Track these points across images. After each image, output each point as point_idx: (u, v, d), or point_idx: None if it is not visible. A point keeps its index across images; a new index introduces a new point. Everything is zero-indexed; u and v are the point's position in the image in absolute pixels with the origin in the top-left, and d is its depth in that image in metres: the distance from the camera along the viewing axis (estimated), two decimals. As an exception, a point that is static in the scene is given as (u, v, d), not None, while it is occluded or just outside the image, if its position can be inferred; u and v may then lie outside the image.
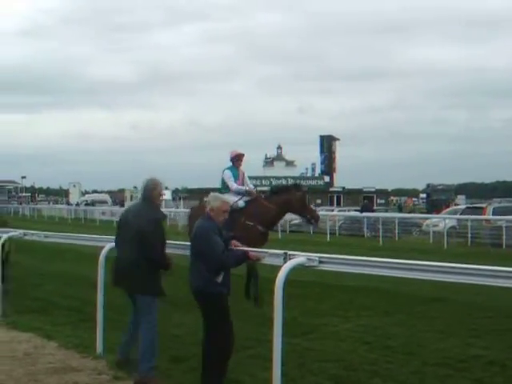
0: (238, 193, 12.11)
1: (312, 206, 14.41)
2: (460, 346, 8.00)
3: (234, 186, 12.12)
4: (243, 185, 12.31)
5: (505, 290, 9.03)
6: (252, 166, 69.26)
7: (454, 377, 6.86)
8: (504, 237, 24.07)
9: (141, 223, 6.88)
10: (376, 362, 7.39)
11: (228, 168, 12.37)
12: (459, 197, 67.47)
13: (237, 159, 12.41)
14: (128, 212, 7.53)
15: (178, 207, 52.21)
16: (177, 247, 7.67)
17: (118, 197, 76.29)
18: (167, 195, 68.24)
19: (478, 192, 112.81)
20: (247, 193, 12.24)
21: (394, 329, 9.07)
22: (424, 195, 75.59)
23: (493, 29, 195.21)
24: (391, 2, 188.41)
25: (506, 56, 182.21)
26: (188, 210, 16.11)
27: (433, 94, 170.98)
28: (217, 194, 9.38)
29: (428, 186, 66.37)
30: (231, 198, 11.13)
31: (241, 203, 11.90)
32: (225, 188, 12.22)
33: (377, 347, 8.05)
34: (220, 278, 6.38)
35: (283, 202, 11.96)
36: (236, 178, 12.22)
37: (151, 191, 7.13)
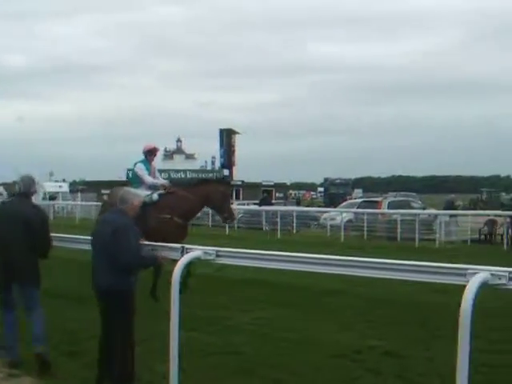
0: (152, 187, 11.74)
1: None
2: (356, 338, 8.13)
3: (149, 179, 11.73)
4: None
5: (401, 282, 9.29)
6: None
7: (350, 367, 6.97)
8: (399, 230, 24.76)
9: (29, 216, 6.95)
10: (272, 354, 7.41)
11: (141, 161, 11.93)
12: (356, 191, 69.00)
13: (150, 153, 12.01)
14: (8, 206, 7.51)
15: (75, 200, 51.11)
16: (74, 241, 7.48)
17: (13, 189, 73.74)
18: (64, 187, 66.81)
19: (374, 186, 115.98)
20: (162, 187, 11.84)
21: (291, 321, 9.12)
22: (322, 189, 77.04)
23: (388, 29, 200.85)
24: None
25: (399, 55, 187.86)
26: (94, 203, 15.23)
27: (335, 91, 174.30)
28: (129, 188, 9.21)
29: (326, 180, 67.66)
30: (144, 192, 10.92)
31: (155, 196, 11.44)
32: (137, 182, 11.83)
33: (273, 339, 8.06)
34: (133, 277, 6.30)
35: (204, 195, 11.48)
36: (148, 172, 11.81)
37: (29, 187, 7.18)
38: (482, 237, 25.72)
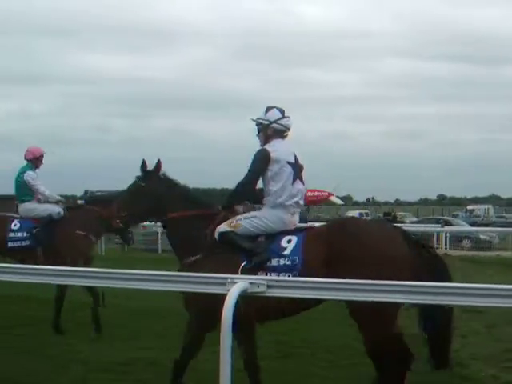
0: (50, 200, 10.29)
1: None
2: (122, 350, 8.14)
3: (46, 191, 10.19)
4: None
5: (162, 294, 9.44)
6: None
7: (117, 381, 6.96)
8: (159, 242, 25.04)
9: None
10: (36, 371, 7.19)
11: (29, 168, 10.22)
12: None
13: (39, 159, 10.34)
14: None
15: None
16: None
17: None
18: None
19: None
20: (59, 201, 10.47)
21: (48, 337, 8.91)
22: (82, 202, 75.42)
23: (161, 41, 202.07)
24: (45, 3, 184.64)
25: (170, 68, 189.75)
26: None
27: (94, 103, 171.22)
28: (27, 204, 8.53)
29: (86, 192, 66.34)
30: (51, 208, 9.94)
31: (61, 211, 10.06)
32: (27, 195, 10.23)
33: (37, 356, 7.84)
34: None
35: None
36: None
37: None
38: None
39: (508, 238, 24.65)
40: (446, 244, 25.19)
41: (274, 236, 5.92)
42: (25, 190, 10.23)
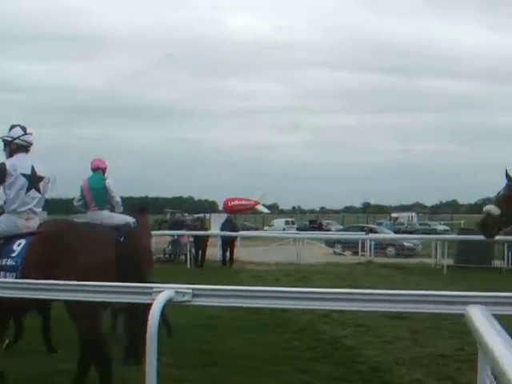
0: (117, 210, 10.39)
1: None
2: (48, 362, 7.91)
3: (119, 200, 10.43)
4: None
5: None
6: None
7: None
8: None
9: None
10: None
11: (102, 177, 10.49)
12: None
13: (103, 171, 10.66)
14: None
15: None
16: None
17: None
18: None
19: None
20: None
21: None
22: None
23: (83, 50, 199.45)
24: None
25: (91, 75, 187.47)
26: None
27: (22, 110, 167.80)
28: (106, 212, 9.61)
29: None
30: (126, 217, 9.58)
31: (134, 220, 9.46)
32: (106, 202, 10.34)
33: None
34: None
35: None
36: None
37: None
38: (167, 256, 26.65)
39: (431, 244, 25.18)
40: (370, 251, 25.61)
41: (9, 239, 6.50)
42: (105, 198, 10.37)
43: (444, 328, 9.91)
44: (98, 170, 10.65)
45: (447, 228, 59.85)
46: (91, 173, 10.75)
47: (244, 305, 5.15)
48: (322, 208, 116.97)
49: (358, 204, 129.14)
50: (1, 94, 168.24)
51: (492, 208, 7.63)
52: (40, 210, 6.83)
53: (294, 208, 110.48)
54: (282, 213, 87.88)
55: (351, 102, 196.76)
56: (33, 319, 9.22)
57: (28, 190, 6.57)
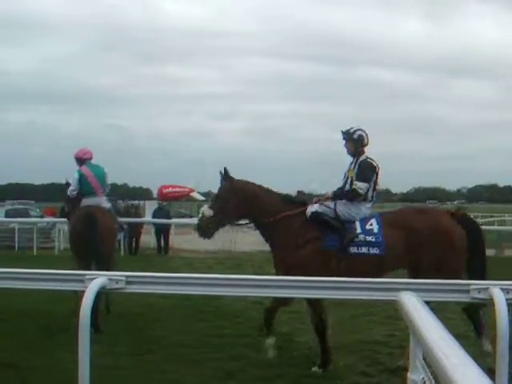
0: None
1: None
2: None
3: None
4: None
5: (18, 293, 9.11)
6: None
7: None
8: (16, 239, 24.16)
9: None
10: None
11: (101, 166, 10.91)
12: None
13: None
14: None
15: None
16: None
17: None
18: None
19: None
20: None
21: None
22: None
23: (20, 33, 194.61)
24: None
25: (24, 60, 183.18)
26: None
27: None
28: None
29: None
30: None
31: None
32: (105, 189, 10.81)
33: None
34: None
35: None
36: None
37: None
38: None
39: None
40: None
41: None
42: (105, 184, 10.82)
43: (376, 314, 10.07)
44: (90, 159, 10.90)
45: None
46: (76, 162, 10.93)
47: (177, 292, 5.13)
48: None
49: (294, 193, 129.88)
50: None
51: (205, 209, 7.79)
52: None
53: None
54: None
55: (286, 89, 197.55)
56: None
57: None
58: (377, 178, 7.63)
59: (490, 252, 22.52)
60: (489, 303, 5.03)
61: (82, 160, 10.82)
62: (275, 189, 7.83)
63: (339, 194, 7.57)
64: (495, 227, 28.64)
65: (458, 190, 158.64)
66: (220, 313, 10.25)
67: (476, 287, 4.86)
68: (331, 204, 7.45)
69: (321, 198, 7.59)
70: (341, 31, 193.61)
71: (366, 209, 7.53)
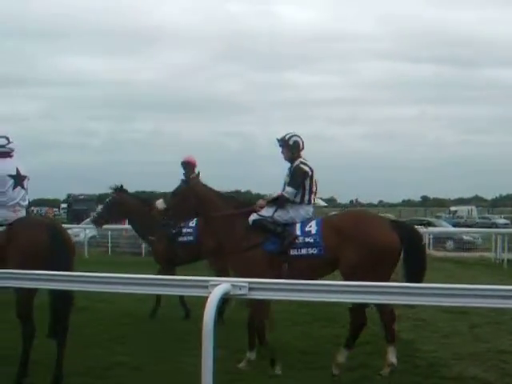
0: None
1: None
2: (104, 355, 8.05)
3: None
4: None
5: (142, 298, 9.39)
6: None
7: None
8: (143, 245, 24.96)
9: None
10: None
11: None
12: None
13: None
14: None
15: None
16: None
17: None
18: None
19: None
20: None
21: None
22: (65, 205, 75.10)
23: (143, 44, 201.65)
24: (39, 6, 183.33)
25: (149, 70, 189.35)
26: None
27: (79, 105, 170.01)
28: None
29: (69, 196, 65.98)
30: None
31: None
32: None
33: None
34: None
35: None
36: None
37: None
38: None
39: (491, 238, 24.70)
40: (429, 245, 25.29)
41: None
42: None
43: (504, 323, 9.74)
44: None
45: (507, 221, 58.60)
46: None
47: (298, 298, 5.16)
48: (381, 202, 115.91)
49: (416, 197, 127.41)
50: (58, 89, 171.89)
51: (159, 202, 8.64)
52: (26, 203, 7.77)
53: (351, 201, 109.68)
54: (338, 206, 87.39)
55: (409, 92, 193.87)
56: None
57: (14, 187, 7.47)
58: (311, 181, 7.83)
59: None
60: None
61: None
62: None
63: (271, 201, 7.89)
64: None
65: None
66: (339, 319, 10.17)
67: None
68: (270, 210, 7.75)
69: (255, 207, 7.87)
70: (463, 32, 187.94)
71: (305, 212, 7.80)
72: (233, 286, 4.89)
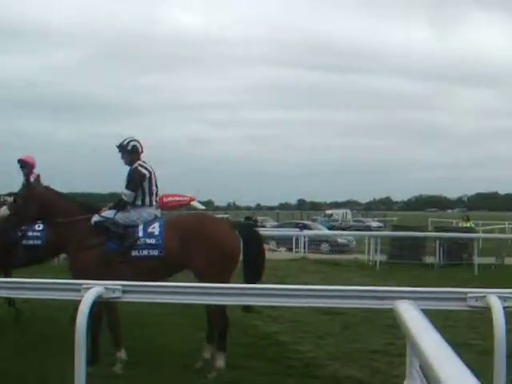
0: None
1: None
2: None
3: None
4: None
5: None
6: None
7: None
8: None
9: None
10: None
11: None
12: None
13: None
14: None
15: None
16: None
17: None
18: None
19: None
20: None
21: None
22: None
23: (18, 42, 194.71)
24: None
25: (23, 69, 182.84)
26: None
27: None
28: None
29: None
30: None
31: None
32: None
33: None
34: None
35: None
36: None
37: None
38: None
39: (365, 241, 25.48)
40: (304, 247, 25.75)
41: None
42: None
43: (375, 323, 10.03)
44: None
45: (381, 225, 60.70)
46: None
47: (173, 301, 5.11)
48: (258, 205, 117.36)
49: (293, 201, 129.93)
50: None
51: (3, 210, 8.32)
52: None
53: (229, 204, 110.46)
54: (217, 209, 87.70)
55: (285, 97, 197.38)
56: None
57: None
58: (150, 183, 7.97)
59: (490, 260, 22.79)
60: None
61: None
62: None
63: (113, 205, 7.99)
64: (495, 235, 28.68)
65: (459, 198, 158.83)
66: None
67: (473, 295, 4.83)
68: (112, 212, 7.83)
69: (100, 211, 7.93)
70: (337, 39, 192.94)
71: (147, 214, 7.91)
72: (106, 288, 4.80)
